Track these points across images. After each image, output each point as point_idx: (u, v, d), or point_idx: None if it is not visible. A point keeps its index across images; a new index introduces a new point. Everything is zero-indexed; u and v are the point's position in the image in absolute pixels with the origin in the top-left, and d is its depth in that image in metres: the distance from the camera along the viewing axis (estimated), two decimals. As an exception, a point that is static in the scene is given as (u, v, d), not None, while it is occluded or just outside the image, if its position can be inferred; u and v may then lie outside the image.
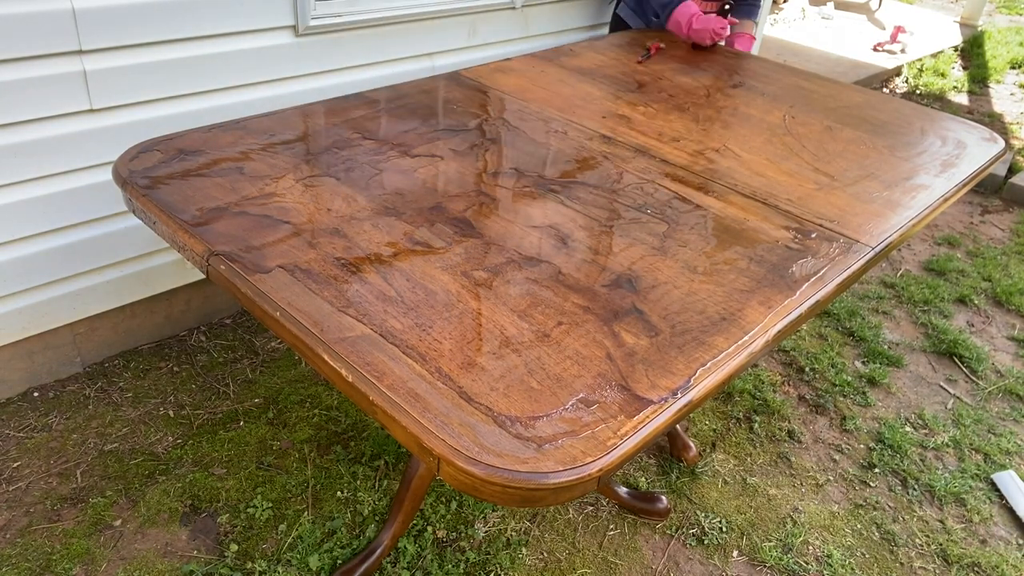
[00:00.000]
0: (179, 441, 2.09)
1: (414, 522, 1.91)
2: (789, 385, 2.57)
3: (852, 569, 1.95)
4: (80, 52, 1.89)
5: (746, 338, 1.18)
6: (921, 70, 5.64)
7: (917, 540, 2.06)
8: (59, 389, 2.23)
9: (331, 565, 1.80)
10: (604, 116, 1.95)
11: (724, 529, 2.02)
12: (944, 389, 2.64)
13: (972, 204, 4.01)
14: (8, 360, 2.14)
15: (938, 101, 5.30)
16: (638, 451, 0.99)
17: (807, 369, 2.64)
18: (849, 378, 2.61)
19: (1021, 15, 7.83)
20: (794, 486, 2.18)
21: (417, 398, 1.00)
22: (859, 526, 2.08)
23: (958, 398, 2.60)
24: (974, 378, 2.70)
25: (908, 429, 2.43)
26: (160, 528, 1.86)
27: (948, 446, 2.38)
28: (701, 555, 1.95)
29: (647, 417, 1.01)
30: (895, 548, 2.03)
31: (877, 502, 2.15)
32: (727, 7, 2.74)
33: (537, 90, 2.07)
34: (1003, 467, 2.31)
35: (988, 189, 4.14)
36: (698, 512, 2.05)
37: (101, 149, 2.03)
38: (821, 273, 1.37)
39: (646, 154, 1.76)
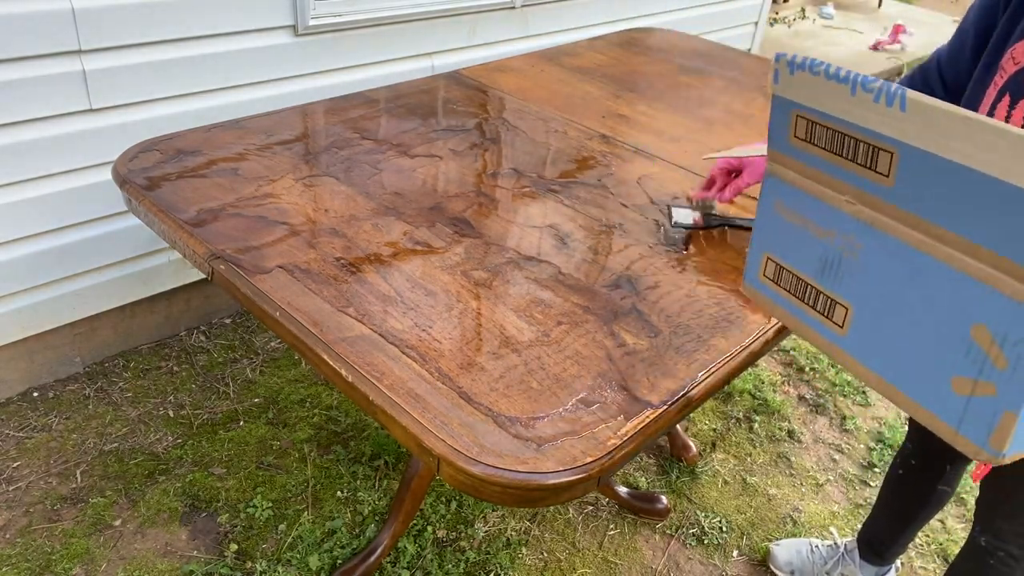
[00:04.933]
0: (179, 441, 2.09)
1: (414, 522, 1.91)
2: (789, 385, 2.57)
3: (852, 569, 1.95)
4: (80, 52, 1.89)
5: (747, 338, 1.18)
6: (921, 70, 5.63)
7: (917, 540, 2.06)
8: (59, 389, 2.23)
9: (331, 565, 1.80)
10: (604, 116, 1.95)
11: (724, 529, 2.02)
12: (944, 389, 2.64)
13: (972, 204, 4.01)
14: (8, 360, 2.14)
15: (938, 101, 5.30)
16: (638, 451, 0.99)
17: (807, 369, 2.64)
18: (849, 378, 2.61)
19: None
20: (794, 486, 2.18)
21: (417, 398, 1.00)
22: (859, 526, 2.08)
23: (958, 398, 2.60)
24: (974, 378, 2.69)
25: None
26: (160, 528, 1.86)
27: (948, 446, 2.38)
28: (701, 555, 1.95)
29: (647, 417, 1.01)
30: (895, 548, 2.03)
31: (877, 502, 2.15)
32: None
33: (537, 90, 2.07)
34: (1003, 467, 2.31)
35: (988, 189, 4.13)
36: (698, 512, 2.05)
37: (100, 149, 2.03)
38: (821, 273, 1.37)
39: (646, 154, 1.76)
